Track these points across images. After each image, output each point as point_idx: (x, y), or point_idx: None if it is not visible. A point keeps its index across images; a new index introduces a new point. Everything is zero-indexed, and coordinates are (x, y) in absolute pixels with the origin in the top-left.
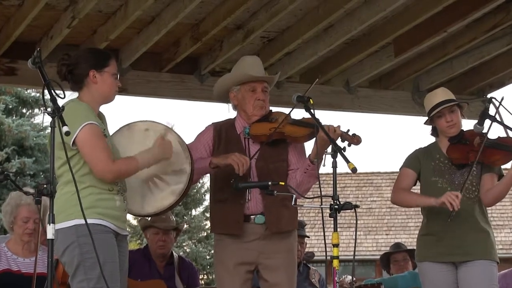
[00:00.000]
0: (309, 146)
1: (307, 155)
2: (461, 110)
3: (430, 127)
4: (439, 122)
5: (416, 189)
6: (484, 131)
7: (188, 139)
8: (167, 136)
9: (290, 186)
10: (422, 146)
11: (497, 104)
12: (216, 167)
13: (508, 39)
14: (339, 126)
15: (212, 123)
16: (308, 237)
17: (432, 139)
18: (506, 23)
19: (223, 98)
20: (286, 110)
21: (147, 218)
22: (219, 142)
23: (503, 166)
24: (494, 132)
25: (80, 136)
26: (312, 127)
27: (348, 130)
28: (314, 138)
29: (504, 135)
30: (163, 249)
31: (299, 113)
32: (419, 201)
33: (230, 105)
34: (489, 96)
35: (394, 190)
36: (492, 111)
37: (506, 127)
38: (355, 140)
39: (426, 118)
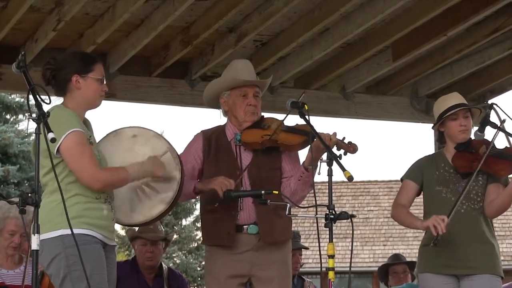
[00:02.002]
0: (303, 152)
1: (301, 162)
2: (472, 118)
3: (428, 134)
4: (452, 125)
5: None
6: (486, 138)
7: (179, 145)
8: (165, 155)
9: (284, 195)
10: (426, 155)
11: (498, 110)
12: (200, 192)
13: (509, 43)
14: (334, 134)
15: (201, 131)
16: (307, 248)
17: (432, 147)
18: (507, 27)
19: (213, 104)
20: (280, 116)
21: (134, 228)
22: (209, 151)
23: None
24: (501, 141)
25: (64, 144)
26: (307, 134)
27: (344, 138)
28: (309, 146)
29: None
30: (151, 260)
31: (292, 119)
32: (409, 222)
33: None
34: (490, 102)
35: (394, 204)
36: (493, 117)
37: (507, 134)
38: (351, 148)
39: (426, 125)
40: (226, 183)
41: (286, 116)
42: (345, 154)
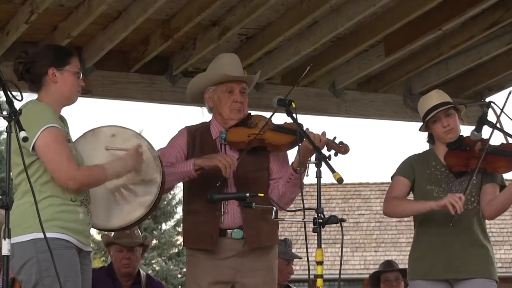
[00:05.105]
0: (292, 152)
1: (290, 163)
2: (459, 114)
3: (422, 134)
4: (435, 127)
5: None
6: (484, 137)
7: (159, 145)
8: (142, 147)
9: (271, 198)
10: (416, 153)
11: (496, 109)
12: (200, 168)
13: (508, 38)
14: (324, 134)
15: (186, 127)
16: (301, 258)
17: (426, 147)
18: (505, 21)
19: (197, 99)
20: (266, 115)
21: (110, 233)
22: (193, 148)
23: (505, 176)
24: (496, 138)
25: (40, 141)
26: (295, 134)
27: (335, 138)
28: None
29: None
30: (128, 267)
31: (280, 117)
32: (416, 207)
33: (205, 108)
34: (487, 100)
35: (386, 199)
36: (491, 116)
37: (506, 133)
38: (342, 149)
39: (421, 123)
40: (229, 161)
41: (273, 114)
42: (335, 155)
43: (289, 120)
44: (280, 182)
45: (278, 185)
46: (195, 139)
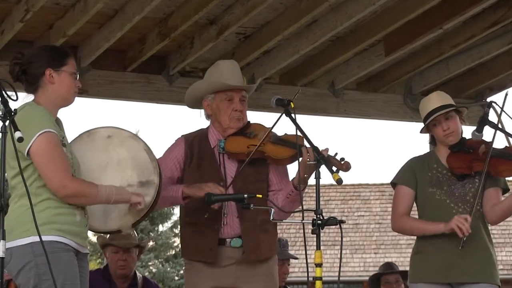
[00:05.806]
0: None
1: (290, 176)
2: (460, 115)
3: (423, 134)
4: (436, 130)
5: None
6: (485, 138)
7: (156, 145)
8: (143, 159)
9: (269, 200)
10: (416, 155)
11: (497, 108)
12: (188, 197)
13: (509, 38)
14: (326, 150)
15: (183, 136)
16: (297, 258)
17: (426, 147)
18: (507, 20)
19: (196, 106)
20: (264, 115)
21: (105, 235)
22: (191, 157)
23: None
24: (499, 140)
25: (35, 146)
26: (296, 148)
27: (336, 154)
28: (298, 161)
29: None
30: (124, 269)
31: (281, 128)
32: (427, 229)
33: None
34: (488, 100)
35: (394, 216)
36: (492, 116)
37: (507, 134)
38: (343, 166)
39: (421, 124)
40: (217, 191)
41: (274, 124)
42: (337, 171)
43: (289, 128)
44: (280, 196)
45: (277, 198)
46: (193, 148)
